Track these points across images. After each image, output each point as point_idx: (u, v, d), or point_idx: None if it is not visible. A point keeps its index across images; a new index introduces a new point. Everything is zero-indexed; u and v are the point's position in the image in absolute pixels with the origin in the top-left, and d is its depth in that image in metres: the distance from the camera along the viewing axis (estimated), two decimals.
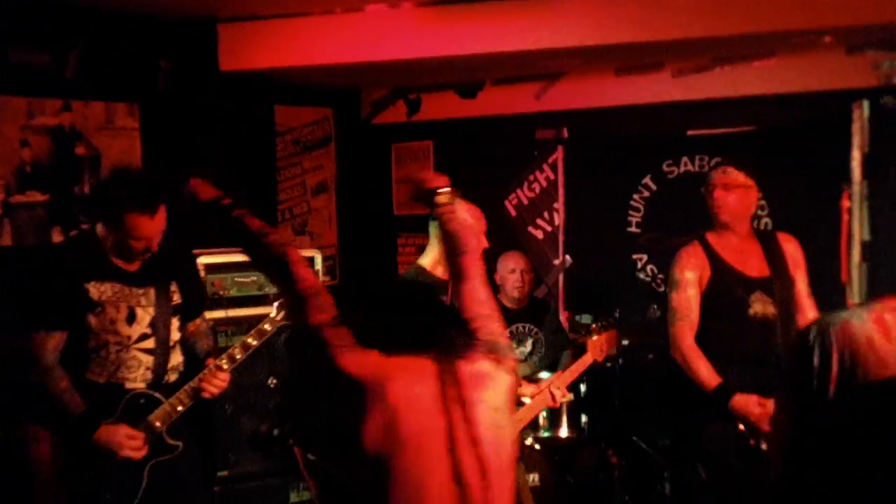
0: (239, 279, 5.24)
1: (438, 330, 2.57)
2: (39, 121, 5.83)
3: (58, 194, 5.88)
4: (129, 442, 4.01)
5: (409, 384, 2.46)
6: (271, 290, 5.51)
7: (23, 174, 5.75)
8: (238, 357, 4.27)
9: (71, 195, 5.97)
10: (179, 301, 4.26)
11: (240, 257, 5.27)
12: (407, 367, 2.51)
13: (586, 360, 5.16)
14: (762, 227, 6.63)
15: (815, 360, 2.16)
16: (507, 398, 2.57)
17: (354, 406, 2.44)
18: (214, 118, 6.75)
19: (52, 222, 5.84)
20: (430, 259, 4.50)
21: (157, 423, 4.11)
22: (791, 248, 4.76)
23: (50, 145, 5.87)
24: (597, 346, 5.16)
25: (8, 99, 5.67)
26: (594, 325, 5.44)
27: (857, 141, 6.68)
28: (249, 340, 4.30)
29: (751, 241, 4.76)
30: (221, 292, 5.23)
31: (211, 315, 5.02)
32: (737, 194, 4.67)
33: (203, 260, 5.12)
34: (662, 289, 6.81)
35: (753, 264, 4.68)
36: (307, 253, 5.78)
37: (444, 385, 2.47)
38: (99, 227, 4.10)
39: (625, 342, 5.96)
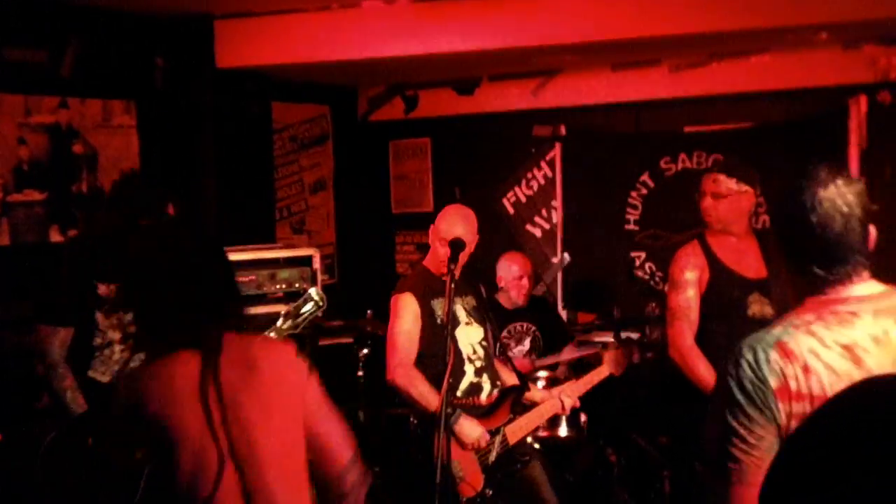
0: (238, 278, 5.22)
1: (196, 323, 2.67)
2: (36, 119, 5.81)
3: (55, 192, 5.87)
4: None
5: (169, 381, 2.59)
6: (270, 289, 5.52)
7: (20, 172, 5.73)
8: None
9: (68, 193, 5.96)
10: None
11: (238, 256, 5.29)
12: (168, 365, 2.63)
13: (602, 371, 5.17)
14: (760, 223, 6.62)
15: (773, 383, 2.15)
16: (278, 374, 2.68)
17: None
18: (211, 115, 6.74)
19: (50, 220, 5.83)
20: (432, 260, 4.56)
21: None
22: None
23: (47, 143, 5.85)
24: (613, 360, 5.16)
25: (4, 97, 5.66)
26: (612, 340, 5.44)
27: (854, 137, 6.69)
28: None
29: (749, 241, 4.75)
30: None
31: None
32: (727, 202, 4.63)
33: None
34: (661, 286, 6.82)
35: (751, 265, 4.67)
36: (305, 251, 5.77)
37: (205, 371, 2.57)
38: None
39: (648, 355, 5.96)
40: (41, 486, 3.98)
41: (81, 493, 4.04)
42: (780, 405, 2.14)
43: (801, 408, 2.11)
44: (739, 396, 2.17)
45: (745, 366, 2.19)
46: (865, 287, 2.27)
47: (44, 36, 5.75)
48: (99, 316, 4.05)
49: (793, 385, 2.14)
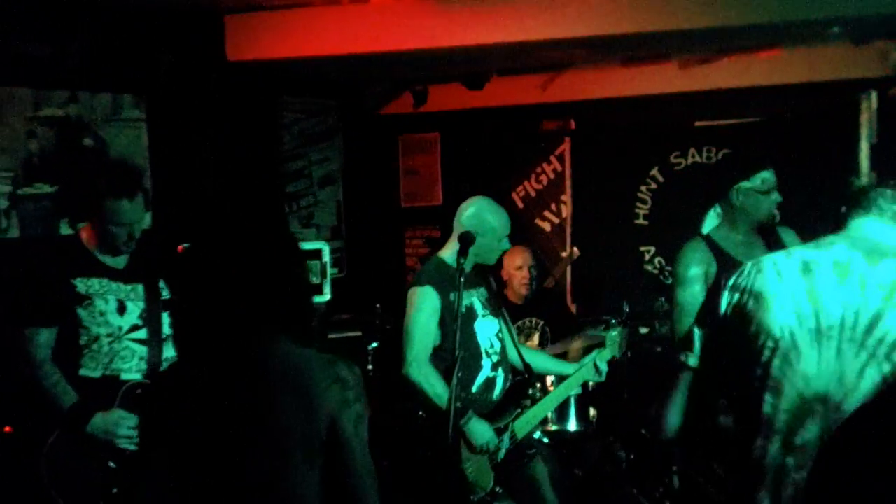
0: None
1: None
2: (46, 112, 5.82)
3: (65, 186, 5.87)
4: (124, 422, 4.00)
5: None
6: None
7: (30, 165, 5.74)
8: None
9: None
10: (169, 297, 4.26)
11: None
12: None
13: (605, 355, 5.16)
14: None
15: (731, 279, 2.98)
16: None
17: None
18: (221, 109, 6.74)
19: (60, 214, 5.84)
20: (451, 252, 4.51)
21: None
22: (791, 241, 4.75)
23: (57, 137, 5.86)
24: (615, 342, 5.14)
25: (14, 90, 5.66)
26: (614, 321, 5.42)
27: (864, 132, 6.67)
28: None
29: (754, 235, 4.73)
30: None
31: None
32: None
33: None
34: (670, 281, 6.81)
35: (758, 257, 4.65)
36: (315, 245, 5.78)
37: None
38: (82, 232, 4.12)
39: (643, 330, 5.94)
40: (45, 485, 3.98)
41: (87, 490, 4.04)
42: (727, 292, 2.89)
43: (739, 296, 2.85)
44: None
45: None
46: (870, 231, 2.84)
47: (54, 29, 5.75)
48: (80, 311, 4.04)
49: (741, 281, 2.87)
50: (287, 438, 2.38)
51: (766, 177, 4.58)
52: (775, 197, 4.57)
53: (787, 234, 4.77)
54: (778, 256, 2.84)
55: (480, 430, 4.39)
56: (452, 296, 4.37)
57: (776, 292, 2.73)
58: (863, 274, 2.69)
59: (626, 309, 6.11)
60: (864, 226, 2.86)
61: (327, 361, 2.48)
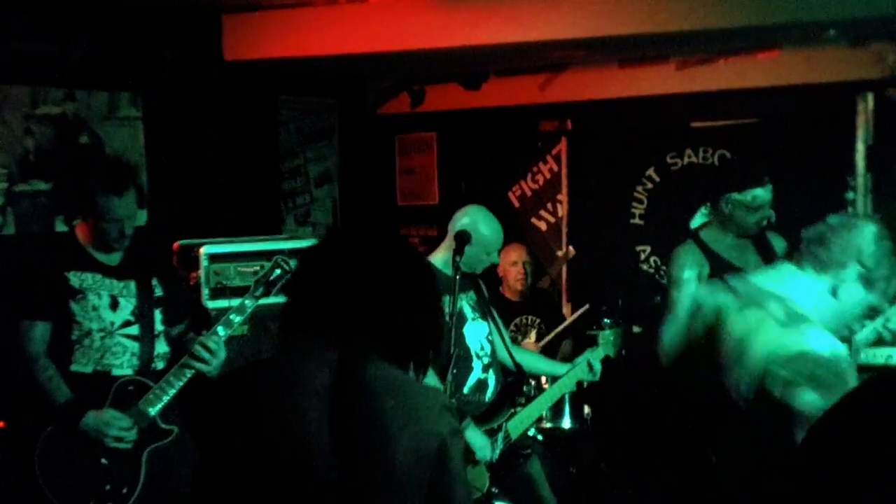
0: (241, 269, 5.23)
1: None
2: (43, 110, 5.83)
3: (61, 183, 5.88)
4: (116, 423, 4.00)
5: None
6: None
7: (26, 163, 5.75)
8: (221, 332, 4.23)
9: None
10: (161, 294, 4.27)
11: (242, 247, 5.30)
12: None
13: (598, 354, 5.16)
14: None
15: None
16: None
17: None
18: (218, 108, 6.75)
19: (56, 211, 5.84)
20: (442, 258, 4.50)
21: (149, 409, 4.09)
22: (780, 246, 4.78)
23: (53, 134, 5.87)
24: (608, 341, 5.14)
25: (12, 88, 5.67)
26: (607, 321, 5.43)
27: (861, 133, 6.67)
28: (232, 317, 4.27)
29: (744, 239, 4.76)
30: (224, 282, 5.21)
31: (214, 305, 5.01)
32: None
33: (205, 250, 5.11)
34: (665, 280, 6.82)
35: (750, 259, 4.68)
36: (310, 243, 5.77)
37: None
38: (77, 229, 4.13)
39: (636, 329, 5.94)
40: (38, 481, 3.97)
41: (79, 487, 4.03)
42: None
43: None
44: None
45: None
46: (777, 276, 2.86)
47: (51, 27, 5.76)
48: (73, 305, 4.04)
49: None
50: (398, 467, 2.16)
51: (758, 194, 4.59)
52: (764, 213, 4.60)
53: (776, 240, 4.80)
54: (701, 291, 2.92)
55: (475, 438, 4.35)
56: (444, 299, 4.37)
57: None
58: (721, 322, 2.76)
59: (622, 308, 6.12)
60: (778, 270, 2.92)
61: (431, 387, 2.30)
